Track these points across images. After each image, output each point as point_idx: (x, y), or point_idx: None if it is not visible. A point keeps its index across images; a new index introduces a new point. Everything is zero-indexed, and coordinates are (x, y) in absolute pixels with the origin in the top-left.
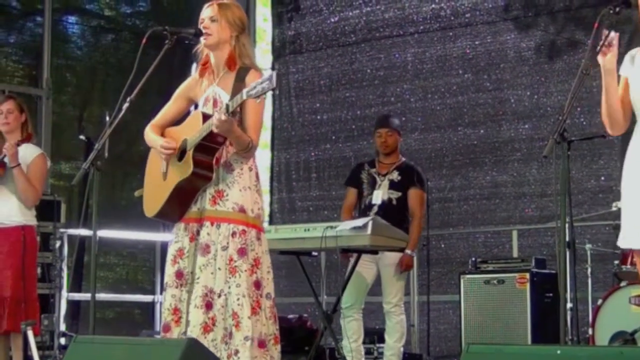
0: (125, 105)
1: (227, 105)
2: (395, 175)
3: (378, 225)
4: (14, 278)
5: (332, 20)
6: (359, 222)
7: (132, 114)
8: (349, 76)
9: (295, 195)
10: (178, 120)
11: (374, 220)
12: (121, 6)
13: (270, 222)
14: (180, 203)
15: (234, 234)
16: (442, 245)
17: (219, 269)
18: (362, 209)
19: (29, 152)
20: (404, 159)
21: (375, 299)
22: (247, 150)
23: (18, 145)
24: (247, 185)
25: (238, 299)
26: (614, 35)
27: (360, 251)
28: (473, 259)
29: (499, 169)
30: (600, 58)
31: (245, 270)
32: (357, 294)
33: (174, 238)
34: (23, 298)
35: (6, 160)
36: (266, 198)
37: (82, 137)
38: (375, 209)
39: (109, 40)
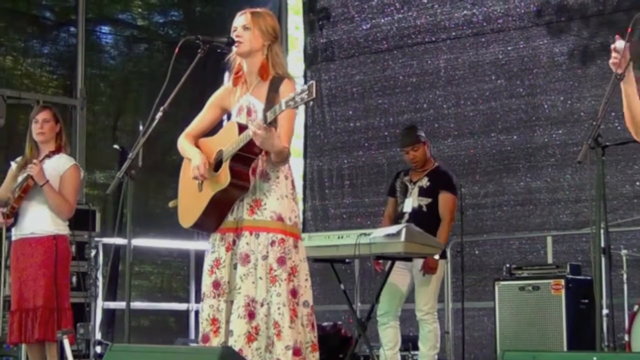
0: (159, 114)
1: (266, 116)
2: (424, 182)
3: (412, 232)
4: (46, 287)
5: (364, 27)
6: (393, 229)
7: (166, 123)
8: (382, 83)
9: (328, 202)
10: (211, 129)
11: (407, 227)
12: (154, 16)
13: (304, 230)
14: (217, 214)
15: (273, 242)
16: (476, 252)
17: (260, 278)
18: (396, 218)
19: (62, 163)
20: (437, 164)
21: (409, 305)
22: (284, 159)
23: (49, 156)
24: (284, 194)
25: (279, 308)
26: (619, 44)
27: (394, 258)
28: (507, 265)
29: (532, 174)
30: (613, 67)
31: (285, 279)
32: (392, 301)
33: (211, 248)
34: (55, 307)
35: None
36: (299, 206)
37: (116, 146)
38: (406, 216)
39: (142, 50)
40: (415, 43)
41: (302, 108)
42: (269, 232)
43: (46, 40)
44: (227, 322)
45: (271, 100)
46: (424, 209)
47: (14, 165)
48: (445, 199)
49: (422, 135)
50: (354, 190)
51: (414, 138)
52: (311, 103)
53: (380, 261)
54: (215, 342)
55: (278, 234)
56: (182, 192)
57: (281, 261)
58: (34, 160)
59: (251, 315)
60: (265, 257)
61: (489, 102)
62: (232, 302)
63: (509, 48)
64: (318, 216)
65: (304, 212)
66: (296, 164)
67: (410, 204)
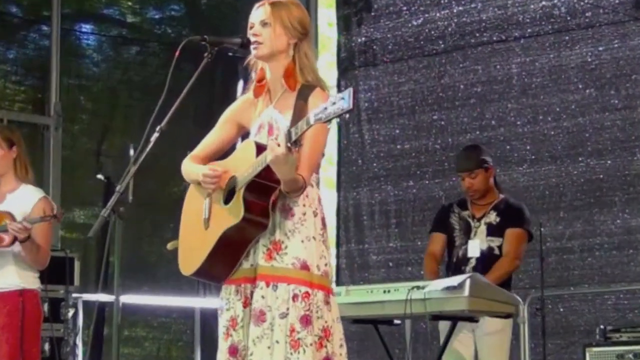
0: (155, 135)
1: (290, 133)
2: (492, 217)
3: (478, 284)
4: (10, 356)
5: (415, 23)
6: (454, 280)
7: (164, 147)
8: (437, 94)
9: (369, 246)
10: (225, 153)
11: (472, 277)
12: (148, 11)
13: (337, 282)
14: (227, 258)
15: (295, 297)
16: (561, 310)
17: (277, 342)
18: (455, 264)
19: (27, 197)
20: (502, 195)
21: None
22: (295, 190)
23: (10, 192)
24: (311, 235)
25: None
26: None
27: (455, 318)
28: (601, 327)
29: (632, 210)
30: None
31: (311, 344)
32: None
33: (224, 305)
34: None
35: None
36: (331, 250)
37: (100, 176)
38: (473, 262)
39: (133, 54)
40: (480, 43)
41: (333, 126)
42: (290, 284)
43: (12, 42)
44: None
45: (298, 114)
46: (496, 251)
47: None
48: (512, 234)
49: (487, 159)
50: (402, 231)
51: (473, 161)
52: (347, 116)
53: None
54: None
55: (302, 287)
56: (184, 231)
57: (306, 321)
58: (22, 224)
59: None
60: (284, 316)
61: (576, 117)
62: None
63: (600, 48)
64: (355, 264)
65: (337, 258)
66: (328, 197)
67: (477, 246)
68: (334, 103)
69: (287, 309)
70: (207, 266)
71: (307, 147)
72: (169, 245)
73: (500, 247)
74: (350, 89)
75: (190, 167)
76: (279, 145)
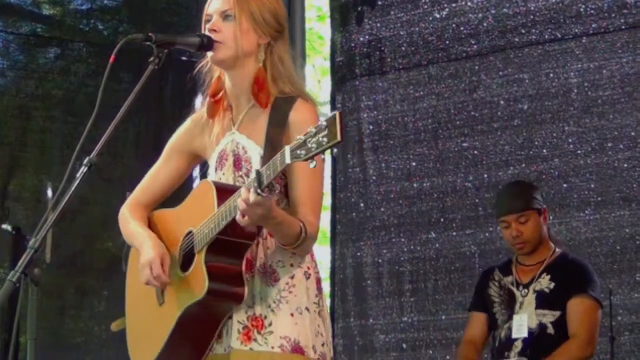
0: (82, 170)
1: (260, 175)
2: (545, 282)
3: None
4: None
5: (437, 16)
6: None
7: (94, 187)
8: (468, 112)
9: (375, 322)
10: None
11: None
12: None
13: None
14: (193, 344)
15: None
16: None
17: None
18: (497, 348)
19: None
20: (559, 250)
21: None
22: (299, 244)
23: None
24: (304, 305)
25: None
26: None
27: None
28: None
29: None
30: None
31: None
32: None
33: None
34: None
35: None
36: (327, 324)
37: (5, 226)
38: (519, 345)
39: (51, 58)
40: (526, 43)
41: (327, 157)
42: None
43: None
44: None
45: (274, 139)
46: (550, 329)
47: None
48: (577, 306)
49: (538, 199)
50: (420, 301)
51: (522, 200)
52: (335, 150)
53: None
54: None
55: None
56: (132, 307)
57: None
58: None
59: None
60: None
61: None
62: None
63: None
64: (356, 346)
65: (334, 336)
66: (319, 254)
67: (524, 323)
68: (315, 134)
69: None
70: (167, 356)
71: (304, 182)
72: (114, 326)
73: (555, 324)
74: (336, 114)
75: (132, 228)
76: (248, 196)
